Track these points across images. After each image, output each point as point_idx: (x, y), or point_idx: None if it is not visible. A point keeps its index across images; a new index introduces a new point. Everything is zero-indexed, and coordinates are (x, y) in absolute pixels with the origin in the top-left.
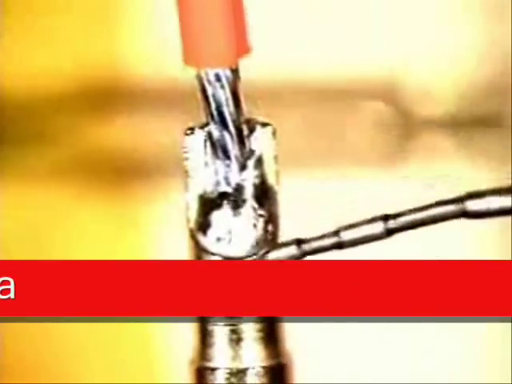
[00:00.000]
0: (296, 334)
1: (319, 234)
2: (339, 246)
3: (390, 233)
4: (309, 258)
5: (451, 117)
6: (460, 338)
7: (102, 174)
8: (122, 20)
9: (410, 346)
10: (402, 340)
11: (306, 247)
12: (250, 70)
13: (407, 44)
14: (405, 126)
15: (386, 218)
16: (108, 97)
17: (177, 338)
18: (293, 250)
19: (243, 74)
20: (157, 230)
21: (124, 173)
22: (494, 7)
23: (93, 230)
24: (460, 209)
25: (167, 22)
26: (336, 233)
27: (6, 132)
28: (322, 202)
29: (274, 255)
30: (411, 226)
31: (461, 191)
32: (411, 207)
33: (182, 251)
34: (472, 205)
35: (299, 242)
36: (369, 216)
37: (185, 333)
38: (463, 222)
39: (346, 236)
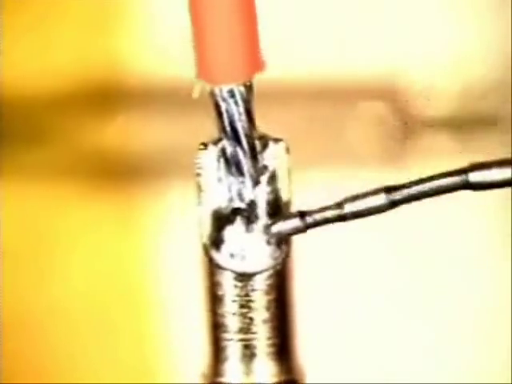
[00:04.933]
0: (309, 350)
1: (322, 206)
2: (342, 218)
3: (393, 205)
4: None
5: (451, 117)
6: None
7: (102, 175)
8: (121, 20)
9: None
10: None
11: (310, 220)
12: None
13: (407, 44)
14: (405, 125)
15: (388, 189)
16: (108, 97)
17: (177, 339)
18: (296, 223)
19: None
20: (157, 231)
21: (124, 173)
22: (493, 7)
23: (93, 231)
24: (463, 180)
25: (167, 22)
26: (339, 205)
27: (6, 132)
28: (321, 201)
29: (277, 228)
30: (414, 197)
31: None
32: (414, 179)
33: (182, 251)
34: (476, 176)
35: (302, 215)
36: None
37: (185, 335)
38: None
39: (349, 208)
